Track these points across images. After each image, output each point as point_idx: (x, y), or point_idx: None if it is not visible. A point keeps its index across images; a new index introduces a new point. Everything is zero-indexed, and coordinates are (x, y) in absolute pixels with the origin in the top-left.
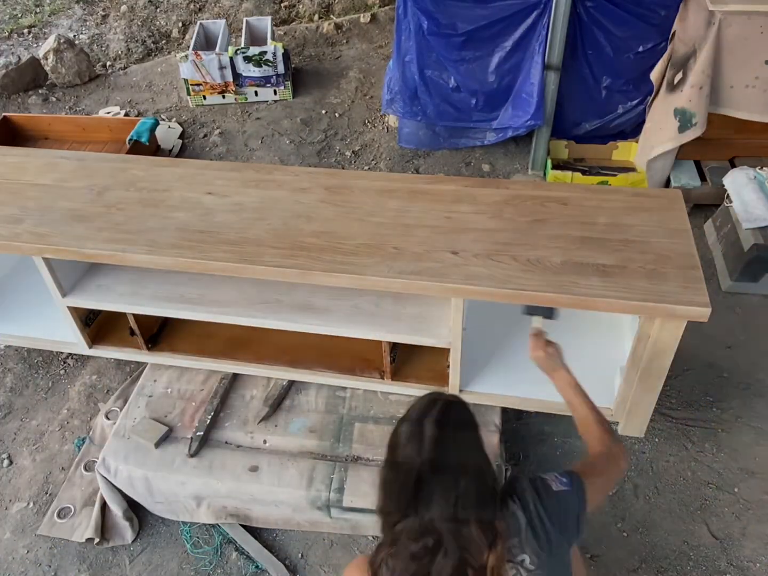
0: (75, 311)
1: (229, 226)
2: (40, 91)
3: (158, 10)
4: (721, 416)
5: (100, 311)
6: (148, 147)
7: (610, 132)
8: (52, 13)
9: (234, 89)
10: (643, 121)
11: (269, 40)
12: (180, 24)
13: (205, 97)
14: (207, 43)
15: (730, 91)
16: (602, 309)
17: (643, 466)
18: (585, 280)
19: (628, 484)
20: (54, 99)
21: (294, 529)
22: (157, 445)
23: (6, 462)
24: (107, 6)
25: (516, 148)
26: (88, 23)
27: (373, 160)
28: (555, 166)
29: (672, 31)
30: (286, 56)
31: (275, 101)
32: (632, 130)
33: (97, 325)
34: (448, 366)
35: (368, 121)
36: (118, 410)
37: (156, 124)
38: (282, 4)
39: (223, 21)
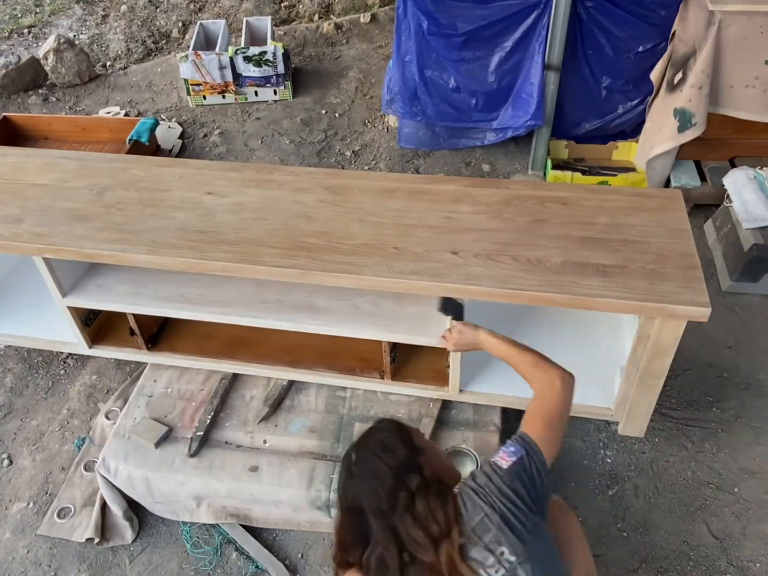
0: (75, 311)
1: (229, 226)
2: (40, 91)
3: (158, 10)
4: (721, 416)
5: (100, 311)
6: (148, 147)
7: (610, 132)
8: (52, 13)
9: (234, 89)
10: (643, 121)
11: (269, 40)
12: (180, 24)
13: (205, 97)
14: (207, 43)
15: (730, 91)
16: (602, 309)
17: (643, 466)
18: (585, 280)
19: (628, 484)
20: (54, 99)
21: (294, 529)
22: (157, 445)
23: (6, 462)
24: (107, 6)
25: (516, 148)
26: (88, 23)
27: (373, 160)
28: (555, 166)
29: (672, 31)
30: (286, 56)
31: (275, 101)
32: (632, 130)
33: (97, 325)
34: (448, 366)
35: (368, 121)
36: (118, 410)
37: (156, 124)
38: (282, 4)
39: (223, 21)
